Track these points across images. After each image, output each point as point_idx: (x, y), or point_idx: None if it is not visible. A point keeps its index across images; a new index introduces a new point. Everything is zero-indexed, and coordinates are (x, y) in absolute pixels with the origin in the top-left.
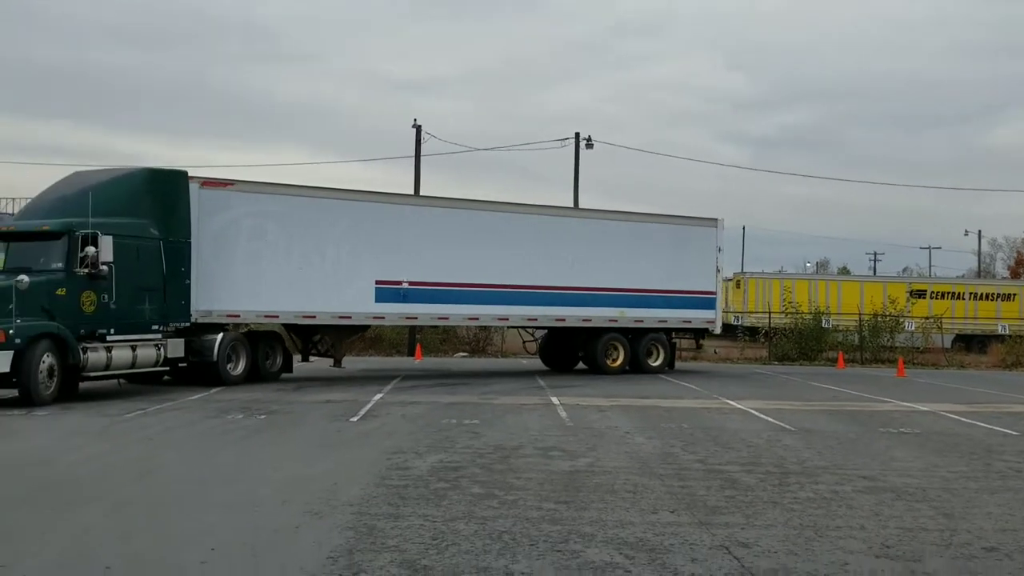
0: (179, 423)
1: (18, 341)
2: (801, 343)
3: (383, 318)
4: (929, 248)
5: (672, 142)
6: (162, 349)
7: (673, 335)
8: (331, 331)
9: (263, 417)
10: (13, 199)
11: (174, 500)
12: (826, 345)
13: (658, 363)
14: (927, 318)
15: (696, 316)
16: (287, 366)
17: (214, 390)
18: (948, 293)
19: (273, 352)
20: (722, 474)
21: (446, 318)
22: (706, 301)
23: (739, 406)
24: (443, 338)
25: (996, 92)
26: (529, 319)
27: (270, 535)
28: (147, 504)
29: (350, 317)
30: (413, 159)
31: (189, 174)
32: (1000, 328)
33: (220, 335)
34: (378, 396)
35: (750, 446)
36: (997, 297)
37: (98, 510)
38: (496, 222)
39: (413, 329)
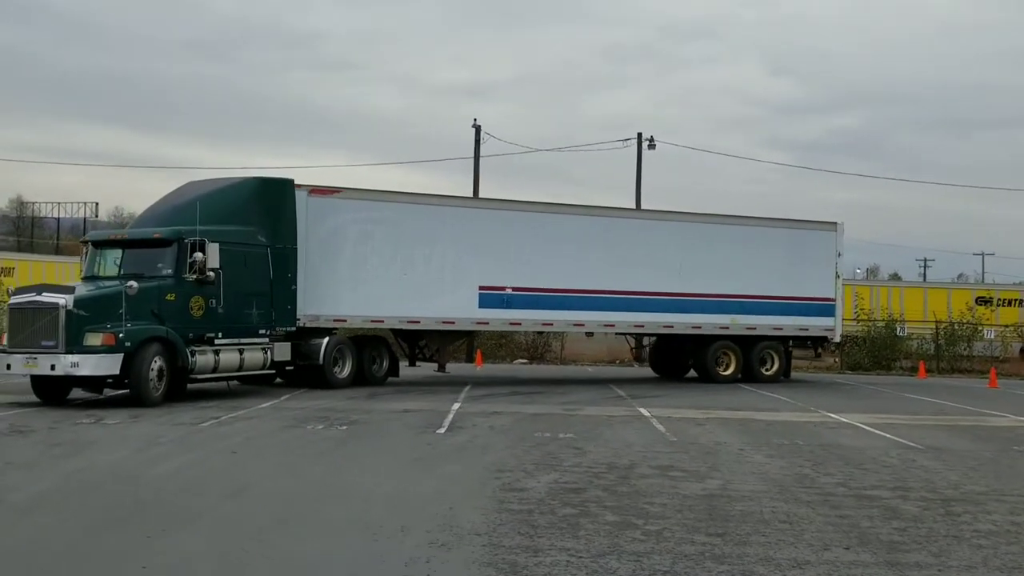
0: (258, 433)
1: (128, 344)
2: (874, 351)
3: (487, 323)
4: (983, 254)
5: (718, 146)
6: (269, 352)
7: (790, 343)
8: (435, 336)
9: (344, 428)
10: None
11: (277, 521)
12: (900, 354)
13: (772, 371)
14: (1007, 326)
15: (813, 324)
16: (393, 370)
17: (284, 397)
18: (1016, 300)
19: (380, 356)
20: (875, 501)
21: (550, 324)
22: (824, 308)
23: (844, 419)
24: (500, 343)
25: None
26: (636, 326)
27: (401, 570)
28: (250, 526)
29: (454, 322)
30: (465, 161)
31: (296, 182)
32: None
33: (326, 339)
34: (456, 406)
35: (886, 467)
36: None
37: (196, 533)
38: (601, 227)
39: (472, 334)
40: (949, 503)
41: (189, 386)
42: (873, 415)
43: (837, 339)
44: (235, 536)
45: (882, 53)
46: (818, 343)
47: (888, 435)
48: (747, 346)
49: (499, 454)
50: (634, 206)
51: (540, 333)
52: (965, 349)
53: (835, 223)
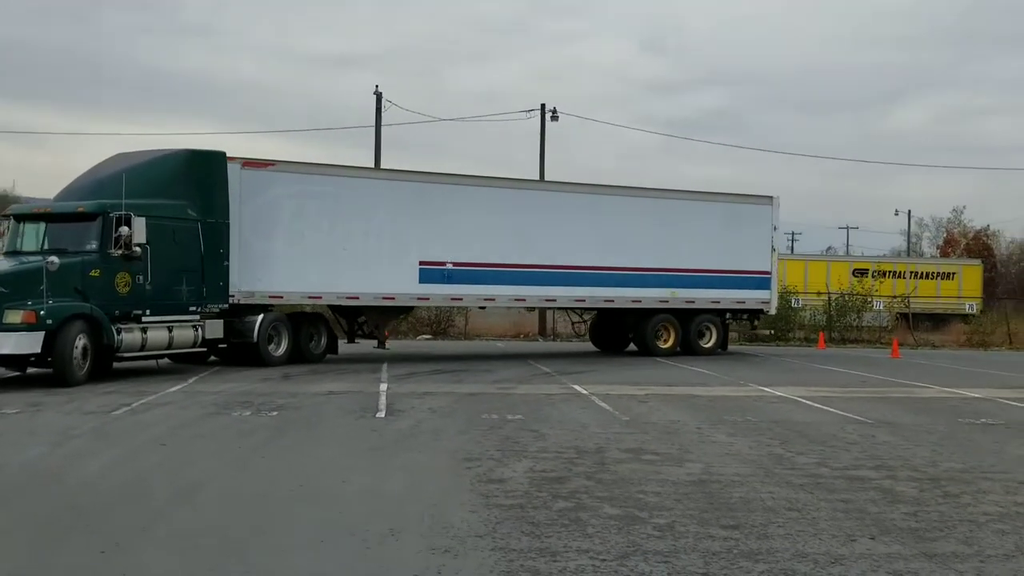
0: (180, 422)
1: (49, 322)
2: (771, 323)
3: (428, 299)
4: (847, 228)
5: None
6: (200, 330)
7: (727, 316)
8: (375, 312)
9: (274, 414)
10: None
11: (250, 530)
12: (794, 325)
13: (710, 344)
14: (894, 297)
15: (750, 296)
16: (332, 347)
17: (192, 380)
18: (890, 272)
19: (317, 333)
20: (866, 482)
21: (492, 299)
22: (761, 281)
23: (780, 393)
24: (402, 318)
25: (893, 79)
26: (577, 300)
27: None
28: (218, 537)
29: (394, 298)
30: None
31: (228, 155)
32: (968, 307)
33: (261, 316)
34: (384, 387)
35: (852, 444)
36: (937, 276)
37: (159, 547)
38: (542, 201)
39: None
40: (940, 483)
41: (115, 365)
42: (804, 388)
43: (773, 311)
44: (206, 550)
45: (747, 32)
46: (754, 316)
47: (831, 409)
48: (686, 319)
49: (455, 440)
50: (539, 179)
51: (443, 309)
52: (855, 320)
53: (771, 197)
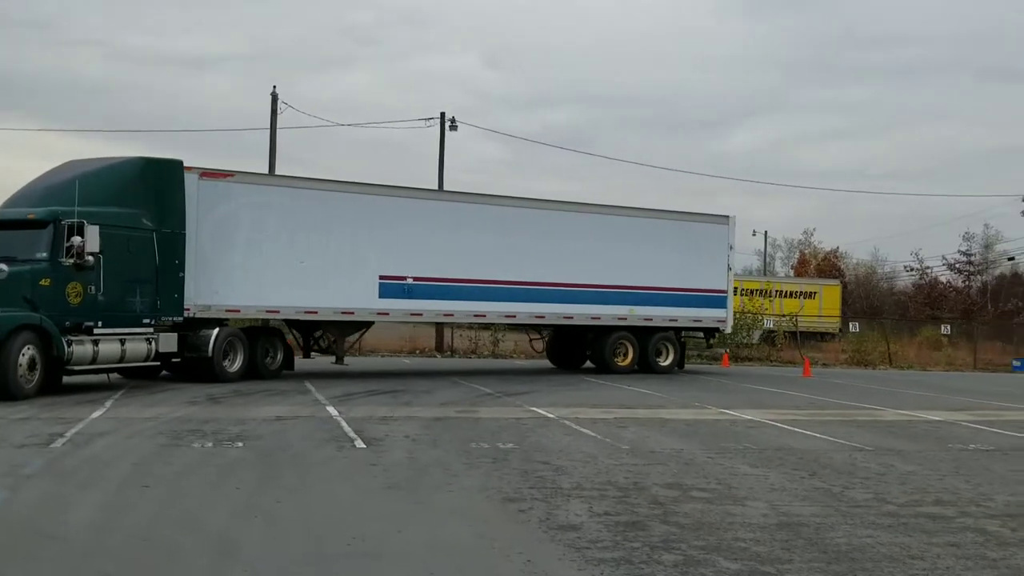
0: (140, 457)
1: None
2: None
3: (387, 314)
4: None
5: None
6: (154, 343)
7: (682, 334)
8: (333, 327)
9: (240, 445)
10: None
11: None
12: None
13: (668, 362)
14: (783, 316)
15: (707, 315)
16: (288, 363)
17: (109, 403)
18: (757, 291)
19: (273, 348)
20: (949, 521)
21: (451, 315)
22: (717, 299)
23: (747, 417)
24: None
25: (735, 102)
26: (537, 316)
27: None
28: None
29: (353, 313)
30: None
31: (186, 164)
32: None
33: (216, 330)
34: (334, 411)
35: (879, 474)
36: (800, 295)
37: None
38: (504, 217)
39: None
40: (1013, 519)
41: (64, 379)
42: (764, 411)
43: (728, 330)
44: None
45: (597, 51)
46: (710, 334)
47: (815, 434)
48: (644, 337)
49: (473, 476)
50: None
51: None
52: (745, 338)
53: (727, 216)
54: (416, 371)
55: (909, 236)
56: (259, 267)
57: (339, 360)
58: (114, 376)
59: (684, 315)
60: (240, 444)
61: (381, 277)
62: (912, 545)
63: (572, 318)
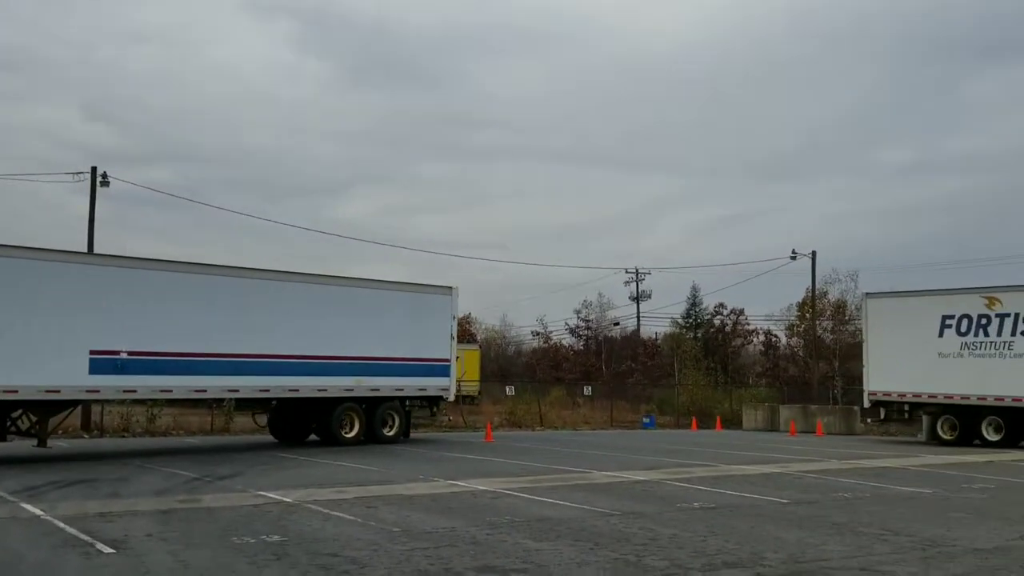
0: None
1: None
2: None
3: (98, 391)
4: None
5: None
6: None
7: (407, 404)
8: (36, 407)
9: None
10: None
11: None
12: None
13: (393, 432)
14: None
15: (431, 384)
16: None
17: None
18: None
19: None
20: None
21: (169, 391)
22: (441, 368)
23: (482, 487)
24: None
25: (345, 171)
26: (261, 390)
27: None
28: None
29: (59, 391)
30: None
31: None
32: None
33: None
34: (37, 510)
35: (652, 540)
36: None
37: None
38: (226, 287)
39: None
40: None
41: None
42: (489, 479)
43: (451, 398)
44: None
45: (192, 113)
46: (434, 402)
47: (559, 501)
48: (371, 408)
49: None
50: (87, 250)
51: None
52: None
53: (451, 287)
54: (80, 453)
55: (537, 301)
56: None
57: (42, 443)
58: None
59: (410, 384)
60: None
61: (92, 352)
62: None
63: (298, 390)
